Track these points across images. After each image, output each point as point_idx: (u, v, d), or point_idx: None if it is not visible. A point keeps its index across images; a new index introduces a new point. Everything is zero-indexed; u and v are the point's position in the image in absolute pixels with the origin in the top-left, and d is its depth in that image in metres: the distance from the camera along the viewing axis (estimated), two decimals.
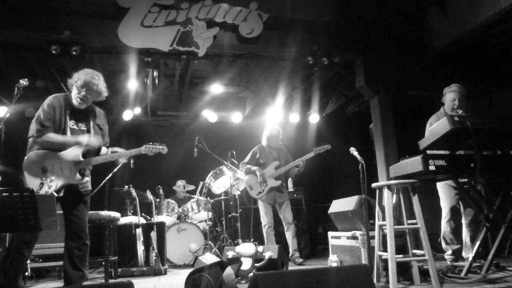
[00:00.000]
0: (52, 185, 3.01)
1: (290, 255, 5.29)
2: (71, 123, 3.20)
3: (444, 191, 4.12)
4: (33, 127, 3.11)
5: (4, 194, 2.12)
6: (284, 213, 5.40)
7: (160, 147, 3.60)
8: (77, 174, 3.15)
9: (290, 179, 6.37)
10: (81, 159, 3.17)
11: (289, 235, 5.35)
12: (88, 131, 3.26)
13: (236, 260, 3.55)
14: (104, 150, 3.45)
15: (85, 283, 3.18)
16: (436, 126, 3.31)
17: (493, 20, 4.80)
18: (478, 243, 3.57)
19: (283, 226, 5.42)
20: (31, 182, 3.03)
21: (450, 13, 5.44)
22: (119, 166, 5.20)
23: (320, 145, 5.35)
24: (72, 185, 3.15)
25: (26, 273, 4.22)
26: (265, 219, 5.38)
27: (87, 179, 3.22)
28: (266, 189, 5.38)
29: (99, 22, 4.88)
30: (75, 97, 3.20)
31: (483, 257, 3.60)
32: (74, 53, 4.70)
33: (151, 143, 3.57)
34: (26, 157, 3.12)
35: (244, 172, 5.58)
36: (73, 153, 3.14)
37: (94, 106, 3.44)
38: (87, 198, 3.28)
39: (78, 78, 3.20)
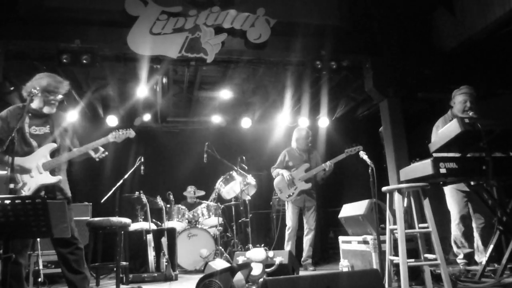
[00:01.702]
0: (25, 189, 3.04)
1: (302, 260, 5.27)
2: (32, 130, 3.20)
3: (452, 195, 4.07)
4: None
5: (16, 201, 2.15)
6: (309, 218, 5.40)
7: (126, 131, 3.57)
8: (48, 174, 3.15)
9: None
10: (49, 158, 3.18)
11: (307, 241, 5.34)
12: (52, 133, 3.26)
13: (246, 266, 3.55)
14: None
15: None
16: (446, 129, 3.28)
17: (503, 20, 4.75)
18: (491, 246, 3.52)
19: (303, 230, 5.42)
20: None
21: (459, 14, 5.40)
22: (128, 174, 5.24)
23: (351, 146, 5.23)
24: (49, 189, 3.16)
25: (39, 279, 4.26)
26: (290, 222, 5.39)
27: (60, 177, 3.20)
28: (296, 191, 5.37)
29: (108, 30, 4.95)
30: (45, 103, 3.20)
31: (497, 261, 3.55)
32: (84, 61, 4.76)
33: (117, 130, 3.54)
34: None
35: (273, 175, 5.61)
36: (38, 155, 3.16)
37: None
38: (69, 205, 3.25)
39: (44, 84, 3.17)
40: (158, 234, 5.00)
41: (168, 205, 6.08)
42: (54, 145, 3.23)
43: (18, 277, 2.93)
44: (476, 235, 3.99)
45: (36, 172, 3.12)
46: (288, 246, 5.27)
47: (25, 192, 3.04)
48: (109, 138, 3.46)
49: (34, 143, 3.17)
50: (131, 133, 3.61)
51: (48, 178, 3.15)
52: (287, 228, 5.41)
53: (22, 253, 3.00)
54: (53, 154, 3.23)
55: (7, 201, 2.12)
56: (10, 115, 3.18)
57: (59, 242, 3.10)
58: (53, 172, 3.19)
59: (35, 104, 3.22)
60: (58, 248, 3.12)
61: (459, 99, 4.09)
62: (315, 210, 5.44)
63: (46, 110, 3.23)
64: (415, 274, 3.40)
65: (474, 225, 4.01)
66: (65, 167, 3.36)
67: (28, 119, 3.21)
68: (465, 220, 4.01)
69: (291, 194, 5.38)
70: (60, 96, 3.28)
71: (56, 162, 3.21)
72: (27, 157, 3.13)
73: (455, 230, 4.06)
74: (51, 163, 3.18)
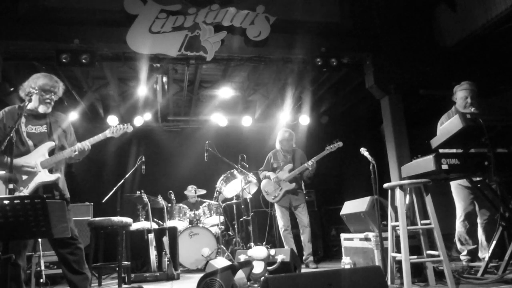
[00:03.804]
0: (23, 188, 3.02)
1: (304, 258, 5.26)
2: (28, 128, 3.18)
3: (458, 191, 4.05)
4: None
5: (15, 201, 2.13)
6: (300, 216, 5.39)
7: (124, 126, 3.55)
8: (46, 172, 3.13)
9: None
10: (47, 157, 3.16)
11: (304, 238, 5.33)
12: (49, 133, 3.24)
13: (247, 264, 3.54)
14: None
15: None
16: (448, 124, 3.26)
17: (505, 16, 4.73)
18: (494, 243, 3.50)
19: (299, 229, 5.41)
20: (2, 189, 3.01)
21: (460, 10, 5.37)
22: (129, 174, 5.23)
23: (331, 143, 5.29)
24: (48, 188, 3.13)
25: (41, 280, 4.25)
26: (281, 222, 5.38)
27: (58, 175, 3.18)
28: (281, 193, 5.37)
29: (107, 30, 4.94)
30: (40, 102, 3.18)
31: (499, 257, 3.53)
32: (83, 61, 4.76)
33: (116, 125, 3.53)
34: None
35: (261, 178, 5.61)
36: (36, 154, 3.13)
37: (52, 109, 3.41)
38: (68, 206, 3.19)
39: (41, 83, 3.18)
40: (159, 234, 4.99)
41: (170, 204, 6.07)
42: (52, 144, 3.20)
43: (17, 279, 2.90)
44: (480, 231, 3.97)
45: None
46: (286, 245, 5.26)
47: (24, 191, 3.02)
48: (107, 134, 3.44)
49: (30, 142, 3.14)
50: (129, 128, 3.59)
51: (46, 177, 3.12)
52: (280, 228, 5.42)
53: (21, 255, 2.98)
54: (52, 152, 3.20)
55: (6, 201, 2.11)
56: (6, 116, 3.16)
57: (58, 242, 3.07)
58: (51, 171, 3.17)
59: (31, 104, 3.18)
60: (57, 248, 3.09)
61: (460, 95, 4.07)
62: (305, 207, 5.44)
63: (41, 109, 3.21)
64: (418, 270, 3.39)
65: (479, 221, 3.98)
66: (63, 167, 3.33)
67: (25, 119, 3.18)
68: (470, 217, 3.99)
69: (276, 195, 5.40)
70: (55, 96, 3.26)
71: (54, 160, 3.18)
72: (25, 156, 3.10)
73: (460, 227, 4.04)
74: (49, 161, 3.15)
